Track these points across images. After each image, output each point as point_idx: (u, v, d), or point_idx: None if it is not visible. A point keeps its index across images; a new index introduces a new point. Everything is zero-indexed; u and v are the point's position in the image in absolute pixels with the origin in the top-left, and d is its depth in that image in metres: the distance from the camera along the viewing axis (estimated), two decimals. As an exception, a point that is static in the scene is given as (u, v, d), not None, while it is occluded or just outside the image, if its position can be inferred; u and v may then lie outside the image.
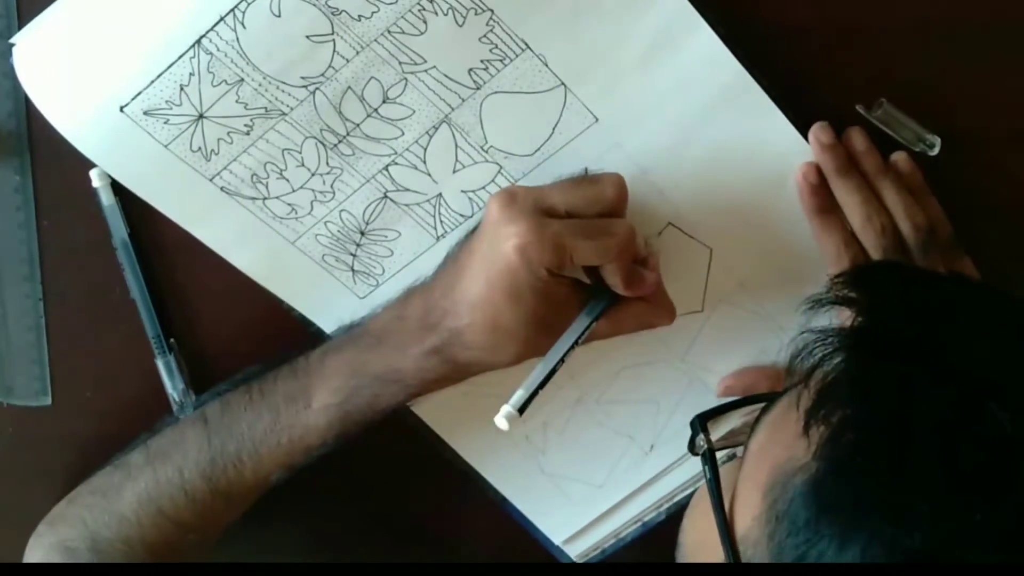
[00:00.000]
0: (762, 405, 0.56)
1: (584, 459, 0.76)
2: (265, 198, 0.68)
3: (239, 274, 0.70)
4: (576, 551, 0.79)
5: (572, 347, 0.64)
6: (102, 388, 0.74)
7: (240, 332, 0.73)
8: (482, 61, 0.64)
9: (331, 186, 0.67)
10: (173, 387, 0.72)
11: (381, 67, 0.64)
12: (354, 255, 0.70)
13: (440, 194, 0.68)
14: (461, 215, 0.69)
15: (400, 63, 0.64)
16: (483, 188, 0.68)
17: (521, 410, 0.63)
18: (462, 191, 0.68)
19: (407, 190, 0.68)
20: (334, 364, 0.68)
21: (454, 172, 0.68)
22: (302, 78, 0.64)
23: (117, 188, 0.68)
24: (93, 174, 0.68)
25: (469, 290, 0.63)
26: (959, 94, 0.68)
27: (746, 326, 0.71)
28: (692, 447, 0.61)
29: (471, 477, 0.76)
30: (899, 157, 0.68)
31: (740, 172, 0.68)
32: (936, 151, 0.68)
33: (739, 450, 0.57)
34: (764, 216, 0.69)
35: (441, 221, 0.69)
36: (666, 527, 0.78)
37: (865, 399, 0.48)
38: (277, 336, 0.72)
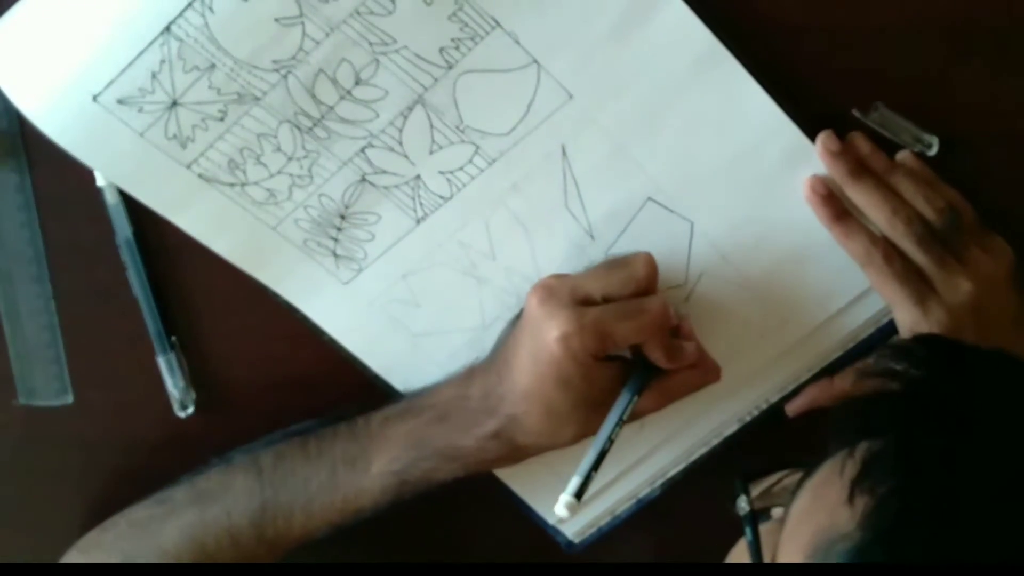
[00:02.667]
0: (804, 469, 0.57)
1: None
2: (243, 184, 0.68)
3: (243, 273, 0.70)
4: (572, 529, 0.79)
5: (619, 425, 0.66)
6: (105, 387, 0.75)
7: (243, 331, 0.74)
8: (452, 40, 0.64)
9: (308, 170, 0.67)
10: (174, 385, 0.73)
11: (352, 48, 0.64)
12: (336, 239, 0.70)
13: (418, 176, 0.68)
14: (440, 196, 0.69)
15: (370, 44, 0.64)
16: (461, 168, 0.68)
17: (579, 496, 0.65)
18: (440, 172, 0.68)
19: (385, 172, 0.68)
20: (395, 433, 0.69)
21: (431, 153, 0.67)
22: (273, 62, 0.64)
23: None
24: (98, 173, 0.68)
25: (519, 382, 0.66)
26: (955, 95, 0.68)
27: (729, 297, 0.71)
28: (733, 507, 0.62)
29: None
30: (903, 155, 0.68)
31: (717, 143, 0.67)
32: (934, 151, 0.68)
33: (776, 511, 0.58)
34: (743, 186, 0.68)
35: (421, 203, 0.69)
36: (661, 503, 0.77)
37: (911, 472, 0.48)
38: (279, 336, 0.73)
